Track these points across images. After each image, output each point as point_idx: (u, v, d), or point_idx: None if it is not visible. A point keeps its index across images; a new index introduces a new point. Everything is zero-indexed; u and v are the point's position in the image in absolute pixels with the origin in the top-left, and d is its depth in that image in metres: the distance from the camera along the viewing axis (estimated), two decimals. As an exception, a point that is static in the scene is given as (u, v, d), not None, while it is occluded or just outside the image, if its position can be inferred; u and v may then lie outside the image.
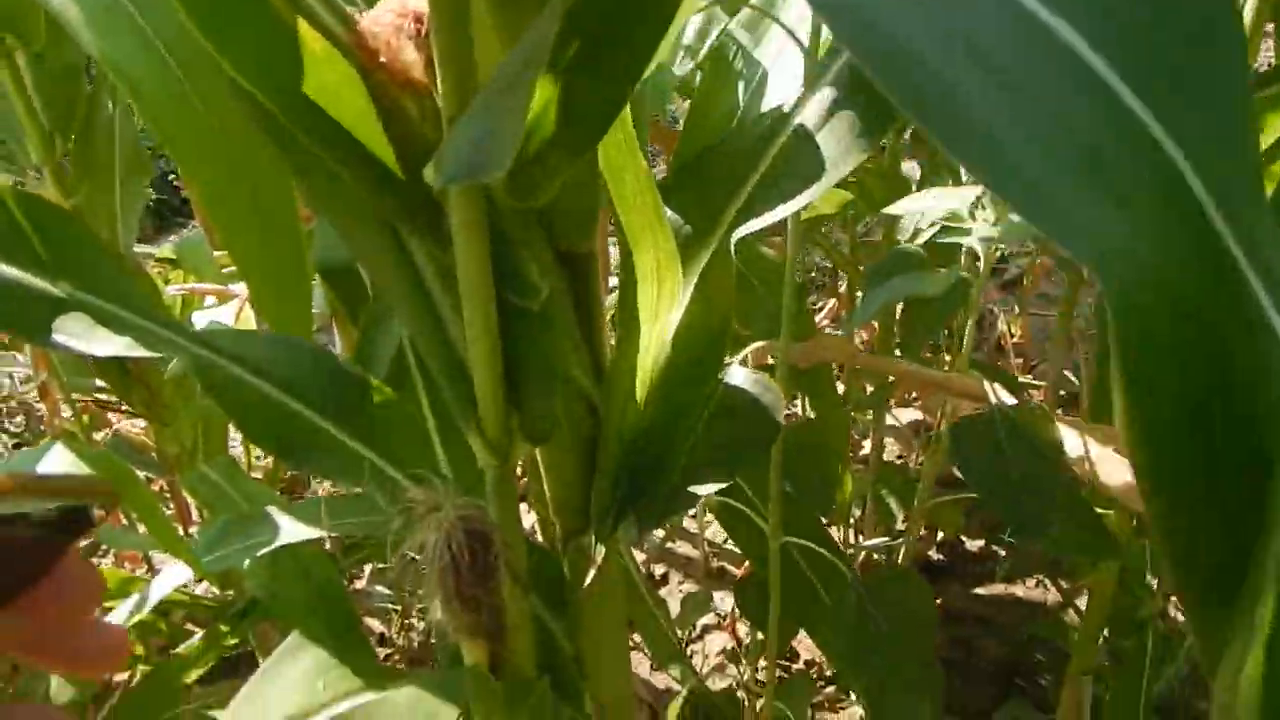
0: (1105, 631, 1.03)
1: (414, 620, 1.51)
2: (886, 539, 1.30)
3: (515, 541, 0.54)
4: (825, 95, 0.56)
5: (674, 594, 1.61)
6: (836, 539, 1.02)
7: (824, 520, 0.92)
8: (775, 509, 0.76)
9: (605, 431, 0.57)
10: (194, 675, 0.85)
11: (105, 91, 0.99)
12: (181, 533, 1.17)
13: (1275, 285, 0.21)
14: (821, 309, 1.79)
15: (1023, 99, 0.21)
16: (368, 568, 1.53)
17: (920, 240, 0.95)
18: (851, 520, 1.41)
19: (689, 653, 1.48)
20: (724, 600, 1.56)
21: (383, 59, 0.45)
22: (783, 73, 0.69)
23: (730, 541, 1.70)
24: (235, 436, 1.47)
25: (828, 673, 1.42)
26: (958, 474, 1.68)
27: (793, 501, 0.81)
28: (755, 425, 0.61)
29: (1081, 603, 1.42)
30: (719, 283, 0.57)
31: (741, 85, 0.74)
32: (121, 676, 1.06)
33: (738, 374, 0.63)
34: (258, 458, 1.51)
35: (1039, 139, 0.21)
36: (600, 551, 0.60)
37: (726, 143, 0.60)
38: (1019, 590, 1.49)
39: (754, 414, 0.61)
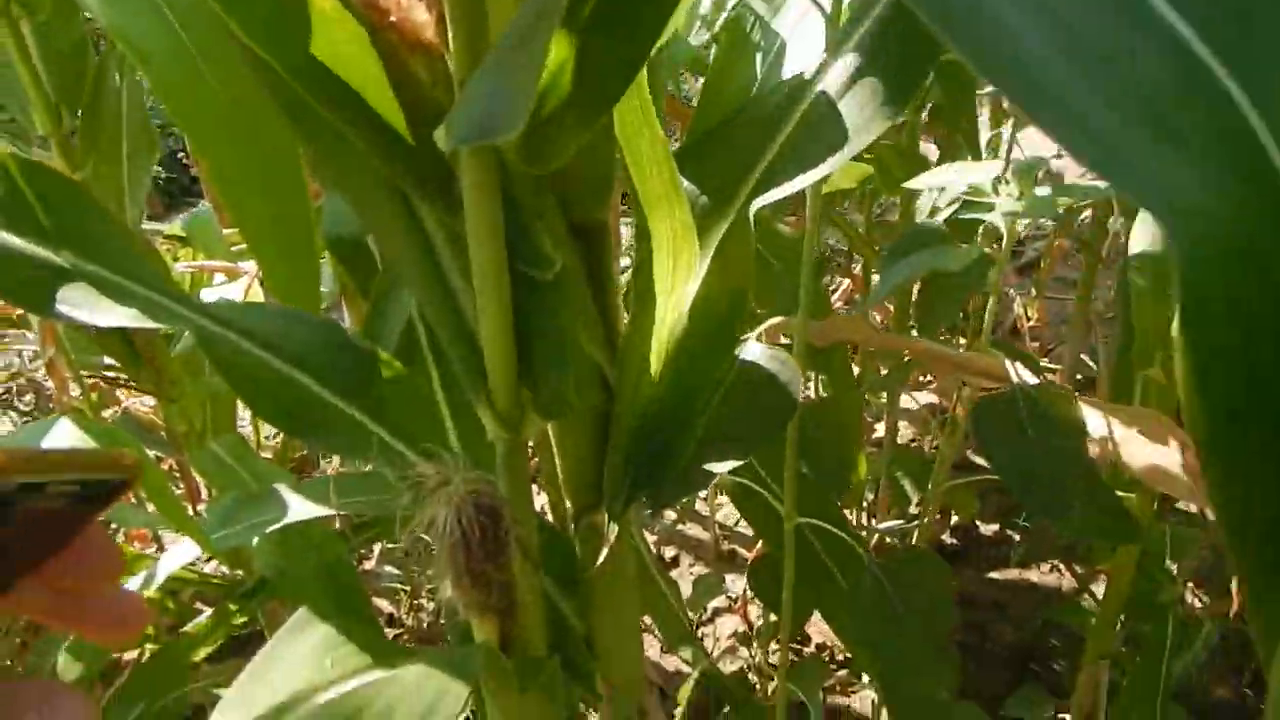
0: (1121, 617, 1.02)
1: (423, 600, 1.50)
2: (901, 522, 1.28)
3: (526, 517, 0.52)
4: (848, 62, 0.54)
5: (685, 576, 1.60)
6: (850, 522, 1.01)
7: (837, 502, 0.91)
8: (790, 489, 0.75)
9: (618, 406, 0.56)
10: (202, 654, 0.85)
11: (113, 63, 0.98)
12: (191, 511, 1.16)
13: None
14: (835, 290, 1.78)
15: (1090, 50, 0.21)
16: (377, 548, 1.52)
17: (938, 219, 0.94)
18: (865, 503, 1.39)
19: (700, 635, 1.47)
20: (735, 583, 1.55)
21: (392, 18, 0.44)
22: (802, 41, 0.67)
23: (741, 524, 1.69)
24: (244, 415, 1.47)
25: (840, 656, 1.41)
26: (973, 457, 1.67)
27: (808, 482, 0.80)
28: (772, 402, 0.60)
29: (1097, 588, 1.41)
30: (737, 255, 0.56)
31: (759, 56, 0.73)
32: (130, 654, 1.06)
33: (754, 349, 0.62)
34: (267, 437, 1.51)
35: (1106, 90, 0.20)
36: (613, 530, 0.58)
37: (745, 111, 0.58)
38: (1033, 575, 1.48)
39: (771, 391, 0.60)
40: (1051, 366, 1.71)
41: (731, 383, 0.60)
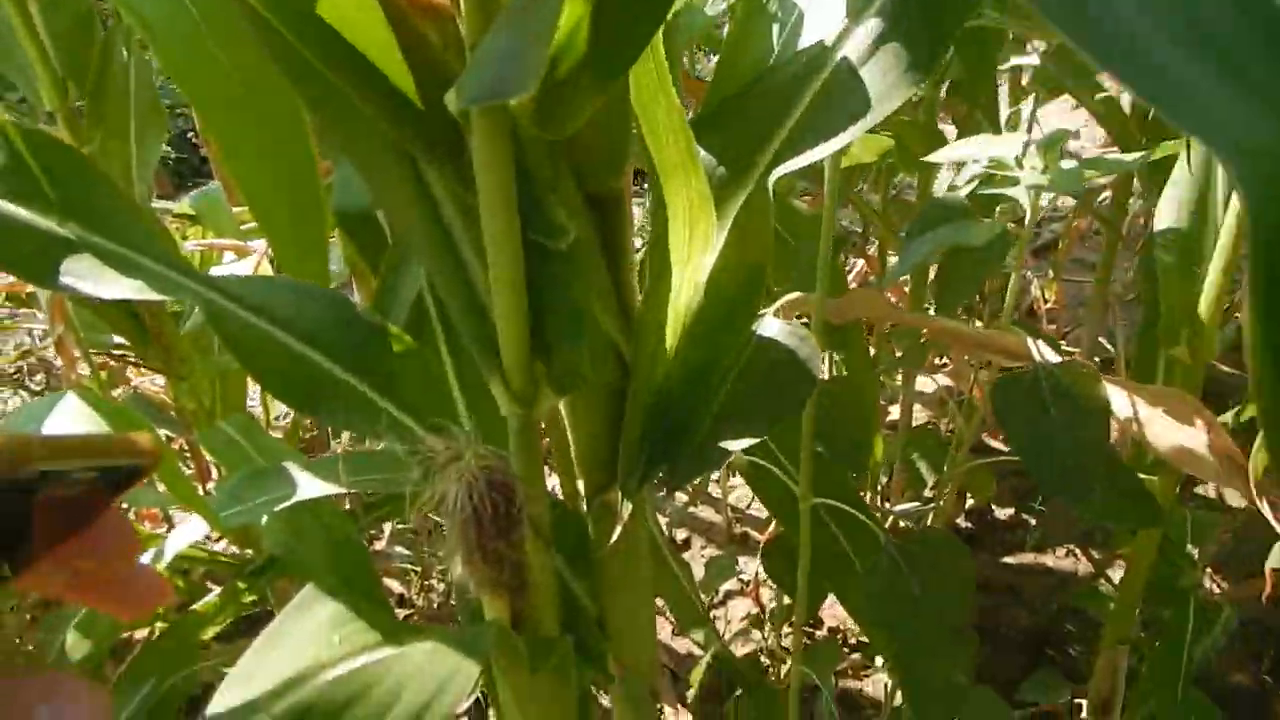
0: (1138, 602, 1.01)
1: (434, 581, 1.50)
2: (916, 504, 1.27)
3: (538, 494, 0.51)
4: (870, 27, 0.53)
5: (696, 559, 1.59)
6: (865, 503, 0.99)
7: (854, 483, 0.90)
8: (806, 468, 0.73)
9: (634, 382, 0.54)
10: (212, 632, 0.84)
11: (119, 38, 0.96)
12: (200, 490, 1.16)
13: None
14: (850, 272, 1.76)
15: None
16: (387, 528, 1.52)
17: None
18: (879, 487, 1.38)
19: (711, 618, 1.46)
20: (747, 565, 1.54)
21: (402, -22, 0.42)
22: (820, 10, 0.65)
23: (754, 506, 1.68)
24: (254, 394, 1.46)
25: (852, 640, 1.40)
26: (988, 441, 1.65)
27: (823, 462, 0.79)
28: (791, 379, 0.58)
29: (1113, 573, 1.40)
30: (755, 227, 0.54)
31: (776, 28, 0.71)
32: (140, 633, 1.06)
33: (772, 325, 0.60)
34: (277, 417, 1.50)
35: (1170, 25, 0.19)
36: (627, 508, 0.57)
37: (763, 81, 0.56)
38: (1049, 560, 1.47)
39: (789, 367, 0.59)
40: (1069, 349, 1.69)
41: (749, 359, 0.58)
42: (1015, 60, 1.14)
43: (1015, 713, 1.11)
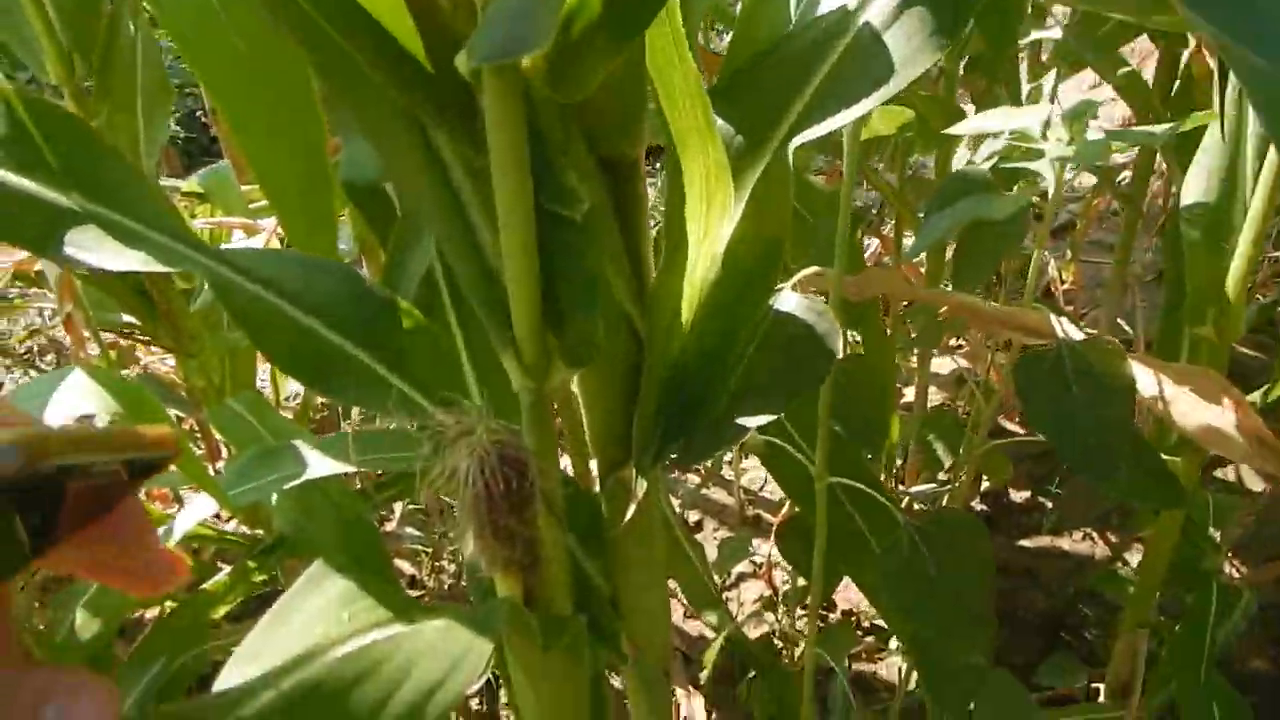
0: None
1: (445, 562, 1.50)
2: (932, 486, 1.26)
3: (551, 471, 0.50)
4: (894, -10, 0.51)
5: (709, 541, 1.58)
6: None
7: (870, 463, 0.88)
8: (823, 447, 0.72)
9: (648, 356, 0.53)
10: (222, 611, 0.84)
11: (126, 11, 0.95)
12: (210, 470, 1.15)
13: None
14: (865, 252, 1.74)
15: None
16: (398, 510, 1.51)
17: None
18: (894, 469, 1.37)
19: (724, 600, 1.45)
20: (759, 548, 1.53)
21: (411, -64, 0.41)
22: (840, -23, 0.64)
23: (766, 488, 1.67)
24: (264, 373, 1.45)
25: (866, 623, 1.39)
26: (1004, 423, 1.64)
27: (840, 441, 0.78)
28: (809, 354, 0.57)
29: (1131, 556, 1.38)
30: (773, 197, 0.53)
31: (794, -2, 0.69)
32: (150, 612, 1.06)
33: (790, 299, 0.59)
34: (287, 397, 1.50)
35: None
36: (641, 486, 0.56)
37: (782, 46, 0.55)
38: (1065, 543, 1.45)
39: (807, 343, 0.57)
40: (1087, 331, 1.67)
41: (766, 333, 0.57)
42: (1036, 34, 1.11)
43: (1031, 696, 1.10)
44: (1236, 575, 1.24)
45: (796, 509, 1.10)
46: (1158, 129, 0.67)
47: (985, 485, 1.54)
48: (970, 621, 0.72)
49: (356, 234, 1.10)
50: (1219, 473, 1.45)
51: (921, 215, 1.17)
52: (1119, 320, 1.57)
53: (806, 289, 0.72)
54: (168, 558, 0.33)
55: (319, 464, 0.73)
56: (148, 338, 1.02)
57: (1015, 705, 0.88)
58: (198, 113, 2.88)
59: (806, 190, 0.87)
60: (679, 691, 1.16)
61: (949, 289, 0.99)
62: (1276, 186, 0.68)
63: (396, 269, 0.64)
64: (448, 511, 1.46)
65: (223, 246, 1.13)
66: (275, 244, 1.10)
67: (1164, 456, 0.81)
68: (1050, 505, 1.52)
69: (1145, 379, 0.68)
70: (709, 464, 1.65)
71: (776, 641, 1.35)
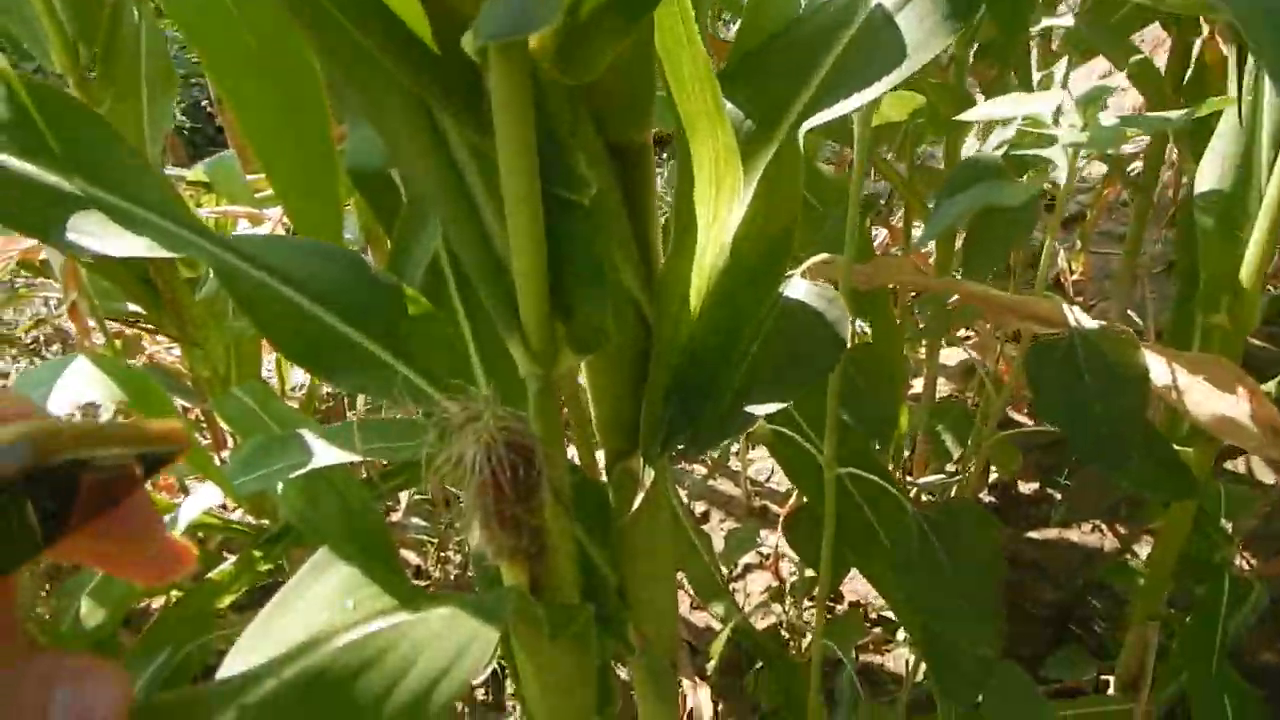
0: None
1: (450, 553, 1.49)
2: (941, 476, 1.25)
3: (558, 459, 0.50)
4: (907, -29, 0.50)
5: (715, 532, 1.58)
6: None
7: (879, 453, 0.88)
8: (831, 436, 0.71)
9: (657, 343, 0.53)
10: (227, 601, 0.83)
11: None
12: (216, 459, 1.15)
13: None
14: (873, 241, 1.73)
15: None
16: (404, 501, 1.51)
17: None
18: (902, 460, 1.36)
19: (731, 591, 1.45)
20: (766, 538, 1.53)
21: (416, -84, 0.40)
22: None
23: (773, 479, 1.67)
24: (269, 363, 1.45)
25: (873, 614, 1.38)
26: (1012, 414, 1.63)
27: (849, 431, 0.77)
28: (819, 342, 0.56)
29: (1140, 549, 1.38)
30: (784, 182, 0.52)
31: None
32: (156, 601, 1.06)
33: (800, 287, 0.58)
34: (293, 388, 1.50)
35: None
36: (649, 475, 0.56)
37: (793, 29, 0.54)
38: (1074, 535, 1.44)
39: (818, 330, 0.57)
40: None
41: (775, 321, 0.56)
42: (1047, 21, 1.10)
43: (1039, 689, 1.09)
44: (1247, 568, 1.23)
45: (804, 500, 1.09)
46: (1172, 114, 0.66)
47: (993, 477, 1.54)
48: (980, 612, 0.72)
49: (363, 224, 1.09)
50: (1229, 464, 1.44)
51: (931, 205, 1.16)
52: (1129, 312, 1.56)
53: (816, 277, 0.71)
54: (175, 548, 0.33)
55: (324, 453, 0.73)
56: (153, 327, 1.01)
57: (1023, 697, 0.88)
58: (203, 103, 2.88)
59: (815, 178, 0.87)
60: (685, 683, 1.16)
61: (959, 278, 0.98)
62: (1292, 173, 0.67)
63: (402, 256, 0.63)
64: (454, 502, 1.46)
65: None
66: (281, 233, 1.09)
67: (1176, 447, 0.80)
68: (1059, 497, 1.51)
69: (1158, 368, 0.68)
70: (716, 455, 1.65)
71: (783, 633, 1.35)
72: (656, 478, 0.56)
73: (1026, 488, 1.55)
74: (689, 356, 0.54)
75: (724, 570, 1.41)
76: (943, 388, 1.73)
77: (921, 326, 1.30)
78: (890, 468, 1.28)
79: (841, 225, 0.75)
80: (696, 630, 1.39)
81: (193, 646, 0.79)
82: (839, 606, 1.42)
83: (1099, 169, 1.94)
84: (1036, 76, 1.21)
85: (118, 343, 1.22)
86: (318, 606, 0.37)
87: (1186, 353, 0.71)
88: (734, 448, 1.61)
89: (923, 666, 0.99)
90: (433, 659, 0.34)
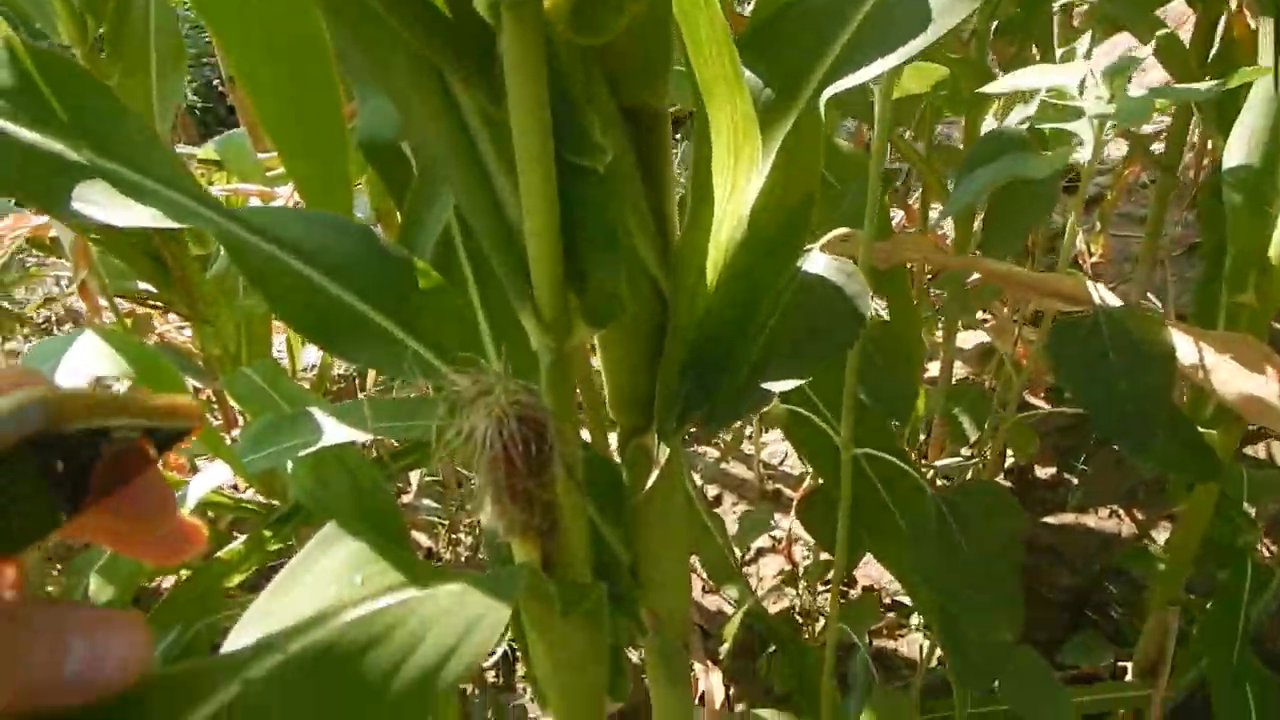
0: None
1: (461, 534, 1.49)
2: (957, 459, 1.23)
3: (571, 434, 0.49)
4: (931, -67, 0.49)
5: (728, 515, 1.57)
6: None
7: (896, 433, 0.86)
8: (849, 416, 0.70)
9: (672, 317, 0.51)
10: (237, 580, 0.83)
11: (138, -29, 0.93)
12: (227, 439, 1.15)
13: None
14: (891, 221, 1.71)
15: None
16: (415, 482, 1.51)
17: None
18: (917, 444, 1.35)
19: (744, 575, 1.44)
20: (779, 522, 1.52)
21: None
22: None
23: (786, 462, 1.66)
24: (280, 345, 1.45)
25: (887, 599, 1.37)
26: (1028, 398, 1.61)
27: (864, 411, 0.76)
28: (838, 317, 0.55)
29: (1157, 534, 1.36)
30: (804, 152, 0.51)
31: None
32: (166, 581, 1.05)
33: (819, 260, 0.57)
34: (304, 369, 1.49)
35: None
36: (663, 452, 0.55)
37: (812, -4, 0.52)
38: (1091, 520, 1.43)
39: (836, 305, 0.55)
40: (1117, 304, 1.63)
41: (793, 295, 0.55)
42: (1069, -5, 1.08)
43: (1055, 675, 1.08)
44: (1268, 554, 1.22)
45: (818, 482, 1.08)
46: (1201, 85, 0.65)
47: (1009, 461, 1.52)
48: (998, 596, 0.70)
49: (374, 204, 1.09)
50: (1250, 450, 1.42)
51: (950, 184, 1.14)
52: (1149, 295, 1.54)
53: (834, 251, 0.70)
54: (186, 527, 0.33)
55: (334, 431, 0.72)
56: (164, 305, 1.01)
57: (1040, 683, 0.87)
58: (215, 82, 2.87)
59: (833, 155, 0.85)
60: (697, 666, 1.15)
61: (979, 256, 0.97)
62: (1325, 147, 0.65)
63: (413, 228, 0.62)
64: (465, 483, 1.45)
65: (238, 213, 1.12)
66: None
67: (1200, 430, 0.79)
68: (1076, 481, 1.50)
69: (1185, 347, 0.66)
70: (729, 438, 1.63)
71: (796, 617, 1.34)
72: (671, 455, 0.55)
73: (1043, 472, 1.54)
74: (705, 331, 0.52)
75: (737, 553, 1.40)
76: (959, 371, 1.72)
77: (938, 308, 1.29)
78: (905, 451, 1.27)
79: (860, 202, 0.74)
80: (708, 614, 1.38)
81: (202, 625, 0.78)
82: (852, 591, 1.41)
83: (1118, 151, 1.92)
84: (1058, 54, 1.19)
85: (128, 321, 1.21)
86: (325, 581, 0.36)
87: (1213, 331, 0.69)
88: (747, 431, 1.60)
89: (937, 652, 0.97)
90: (442, 635, 0.33)
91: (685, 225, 0.50)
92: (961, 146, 1.21)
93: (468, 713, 1.24)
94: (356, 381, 1.62)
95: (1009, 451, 1.45)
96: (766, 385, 0.53)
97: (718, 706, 1.06)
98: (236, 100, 1.55)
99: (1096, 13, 1.07)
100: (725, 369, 0.53)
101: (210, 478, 0.74)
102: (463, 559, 1.49)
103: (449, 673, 0.32)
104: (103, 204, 0.49)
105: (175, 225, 0.50)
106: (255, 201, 1.18)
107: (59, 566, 0.94)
